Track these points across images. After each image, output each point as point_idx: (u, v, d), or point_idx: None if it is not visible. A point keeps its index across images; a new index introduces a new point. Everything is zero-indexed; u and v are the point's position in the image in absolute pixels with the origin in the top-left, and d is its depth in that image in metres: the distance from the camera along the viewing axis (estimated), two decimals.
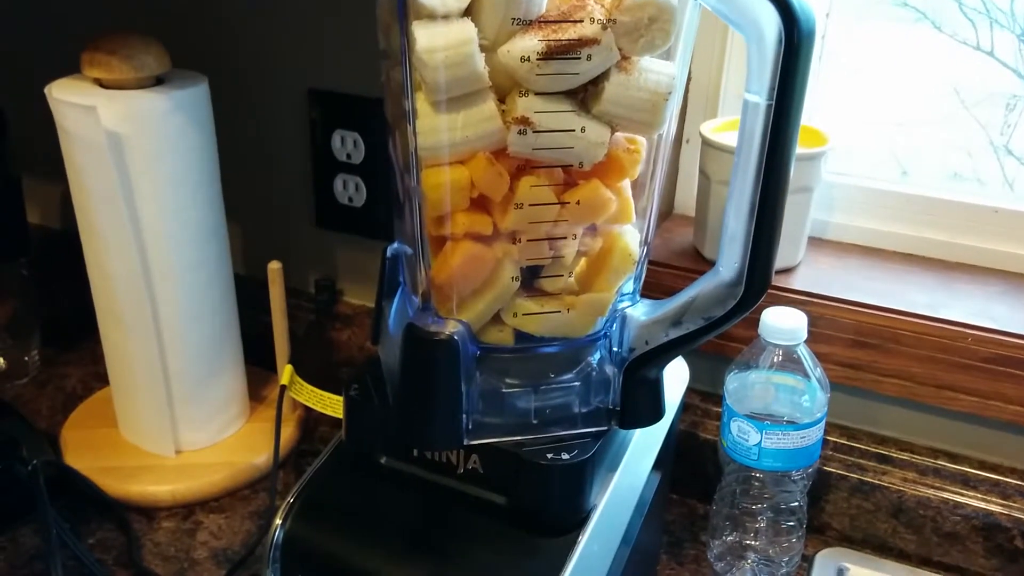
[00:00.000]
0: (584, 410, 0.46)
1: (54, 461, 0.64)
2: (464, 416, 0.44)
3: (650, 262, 0.66)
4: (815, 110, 0.69)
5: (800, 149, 0.63)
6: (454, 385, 0.43)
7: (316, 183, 0.77)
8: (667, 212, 0.74)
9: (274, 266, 0.67)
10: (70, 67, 0.61)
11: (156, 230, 0.62)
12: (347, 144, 0.74)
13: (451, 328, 0.43)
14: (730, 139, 0.62)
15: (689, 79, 0.69)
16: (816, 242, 0.70)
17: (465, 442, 0.44)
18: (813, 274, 0.66)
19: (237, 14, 0.75)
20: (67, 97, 0.58)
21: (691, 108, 0.71)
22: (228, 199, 0.67)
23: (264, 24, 0.74)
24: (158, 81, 0.61)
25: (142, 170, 0.60)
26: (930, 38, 0.65)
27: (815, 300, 0.63)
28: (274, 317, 0.69)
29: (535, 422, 0.45)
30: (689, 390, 0.59)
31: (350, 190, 0.75)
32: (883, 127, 0.69)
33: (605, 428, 0.46)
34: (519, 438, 0.45)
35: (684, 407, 0.64)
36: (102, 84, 0.60)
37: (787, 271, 0.66)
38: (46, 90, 0.59)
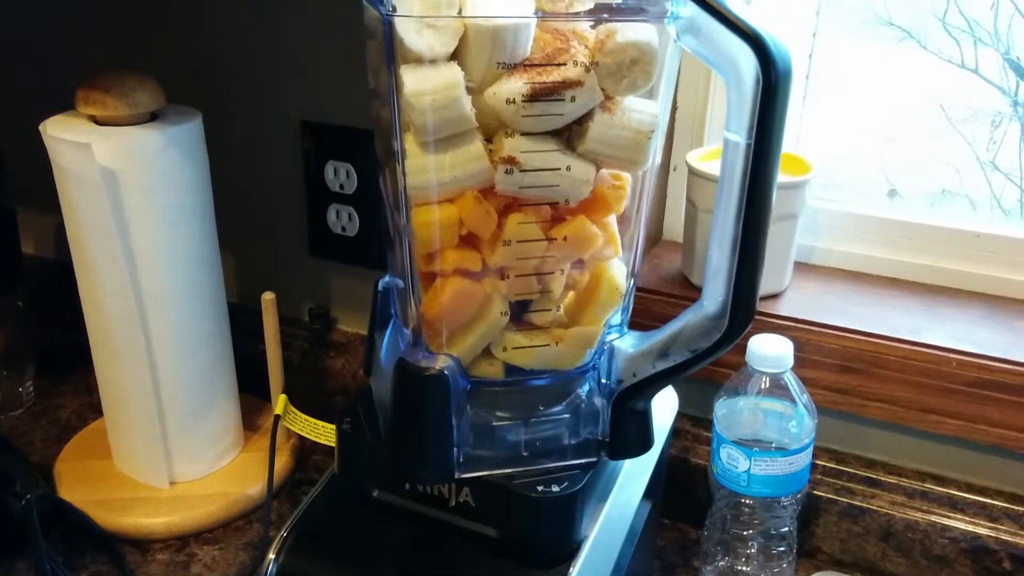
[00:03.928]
0: (574, 442, 0.47)
1: (48, 495, 0.64)
2: (455, 450, 0.45)
3: (638, 289, 0.67)
4: (804, 126, 0.70)
5: (785, 177, 0.64)
6: (445, 419, 0.44)
7: (310, 212, 0.78)
8: (656, 238, 0.75)
9: (268, 296, 0.68)
10: (64, 94, 0.62)
11: (150, 264, 0.62)
12: (340, 175, 0.75)
13: (441, 363, 0.44)
14: (715, 168, 0.63)
15: (675, 107, 0.70)
16: (802, 267, 0.71)
17: (456, 475, 0.45)
18: (799, 299, 0.67)
19: (231, 48, 0.76)
20: (62, 134, 0.59)
21: (678, 136, 0.72)
22: (222, 228, 0.68)
23: (257, 58, 0.75)
24: (153, 117, 0.62)
25: (136, 205, 0.61)
26: (916, 56, 0.66)
27: (801, 326, 0.64)
28: (268, 347, 0.69)
29: (525, 454, 0.46)
30: (679, 415, 0.60)
31: (343, 219, 0.76)
32: (871, 143, 0.70)
33: (595, 459, 0.47)
34: (510, 470, 0.46)
35: (675, 432, 0.65)
36: (97, 121, 0.61)
37: (774, 297, 0.67)
38: (41, 127, 0.60)
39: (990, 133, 0.66)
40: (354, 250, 0.77)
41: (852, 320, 0.63)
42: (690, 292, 0.67)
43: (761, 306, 0.64)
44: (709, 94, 0.70)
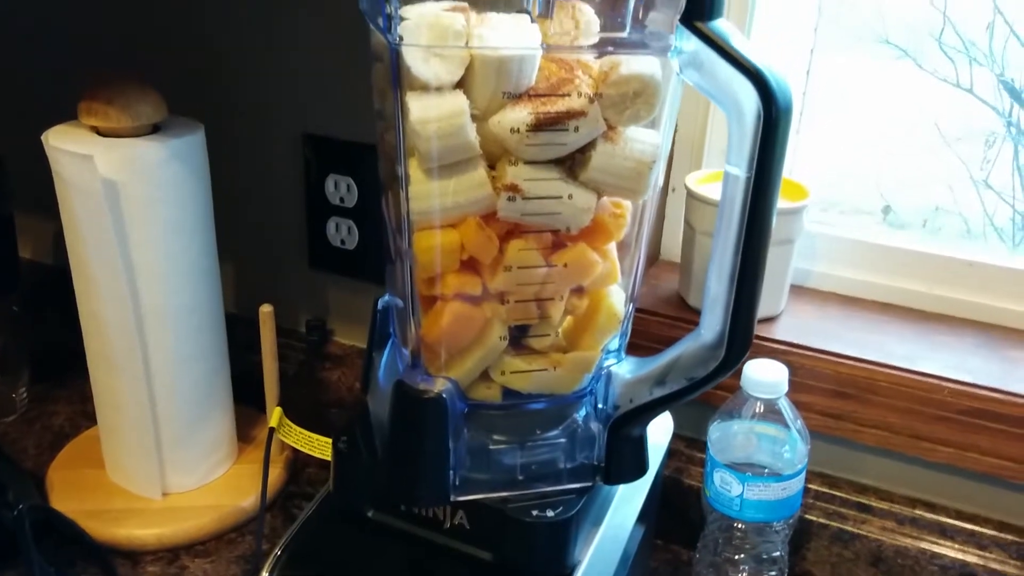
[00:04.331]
0: (569, 466, 0.47)
1: (40, 506, 0.64)
2: (451, 472, 0.45)
3: (636, 310, 0.67)
4: (800, 142, 0.71)
5: (782, 203, 0.65)
6: (442, 442, 0.44)
7: (309, 225, 0.78)
8: (653, 258, 0.76)
9: (266, 309, 0.68)
10: (64, 99, 0.62)
11: (149, 275, 0.63)
12: (340, 188, 0.75)
13: (440, 386, 0.44)
14: (714, 191, 0.63)
15: (675, 129, 0.71)
16: (798, 290, 0.71)
17: (452, 498, 0.45)
18: (795, 324, 0.67)
19: (234, 59, 0.76)
20: (64, 145, 0.59)
21: (677, 158, 0.72)
22: (222, 238, 0.68)
23: (261, 70, 0.75)
24: (155, 129, 0.62)
25: (137, 217, 0.61)
26: (912, 75, 0.67)
27: (796, 350, 0.64)
28: (264, 360, 0.69)
29: (521, 478, 0.46)
30: (674, 436, 0.60)
31: (343, 233, 0.77)
32: (866, 160, 0.70)
33: (590, 484, 0.47)
34: (505, 494, 0.46)
35: (669, 453, 0.65)
36: (99, 132, 0.61)
37: (770, 320, 0.67)
38: (43, 137, 0.60)
39: (984, 152, 0.67)
40: (353, 263, 0.77)
41: (847, 346, 0.64)
42: (687, 314, 0.68)
43: (757, 329, 0.64)
44: (709, 117, 0.71)
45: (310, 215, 0.77)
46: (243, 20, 0.75)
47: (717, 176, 0.67)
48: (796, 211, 0.64)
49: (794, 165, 0.72)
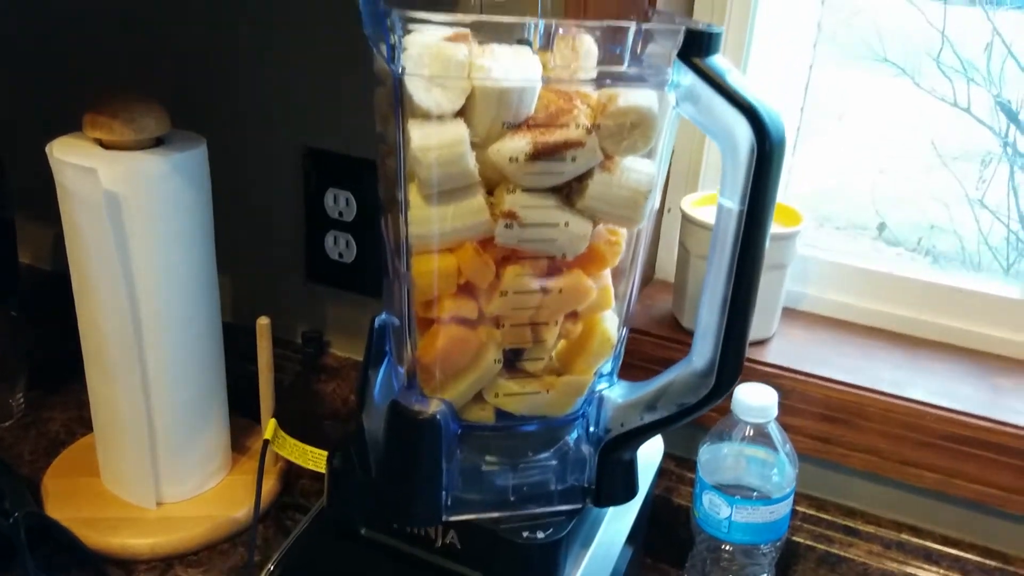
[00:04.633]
0: (560, 488, 0.48)
1: (36, 513, 0.64)
2: (444, 492, 0.46)
3: (630, 330, 0.68)
4: (796, 158, 0.71)
5: (776, 228, 0.66)
6: (435, 463, 0.45)
7: (308, 238, 0.79)
8: (648, 278, 0.77)
9: (263, 322, 0.69)
10: (66, 106, 0.62)
11: (149, 287, 0.63)
12: (339, 202, 0.76)
13: (434, 407, 0.45)
14: (709, 214, 0.64)
15: (672, 154, 0.72)
16: (790, 312, 0.72)
17: (444, 518, 0.46)
18: (786, 347, 0.68)
19: (237, 74, 0.77)
20: (68, 158, 0.60)
21: (673, 180, 0.73)
22: (221, 248, 0.68)
23: (263, 84, 0.76)
24: (158, 141, 0.63)
25: (139, 229, 0.61)
26: (910, 93, 0.67)
27: (787, 374, 0.65)
28: (261, 373, 0.70)
29: (512, 499, 0.47)
30: (665, 455, 0.61)
31: (340, 246, 0.77)
32: (863, 177, 0.71)
33: (580, 506, 0.48)
34: (497, 514, 0.47)
35: (659, 472, 0.66)
36: (103, 144, 0.61)
37: (761, 343, 0.68)
38: (47, 149, 0.61)
39: (980, 172, 0.68)
40: (350, 277, 0.78)
41: (837, 371, 0.64)
42: (680, 335, 0.68)
43: (748, 352, 0.65)
44: (705, 140, 0.72)
45: (309, 228, 0.78)
46: (246, 35, 0.76)
47: (712, 199, 0.68)
48: (789, 236, 0.65)
49: (790, 179, 0.72)
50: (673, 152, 0.72)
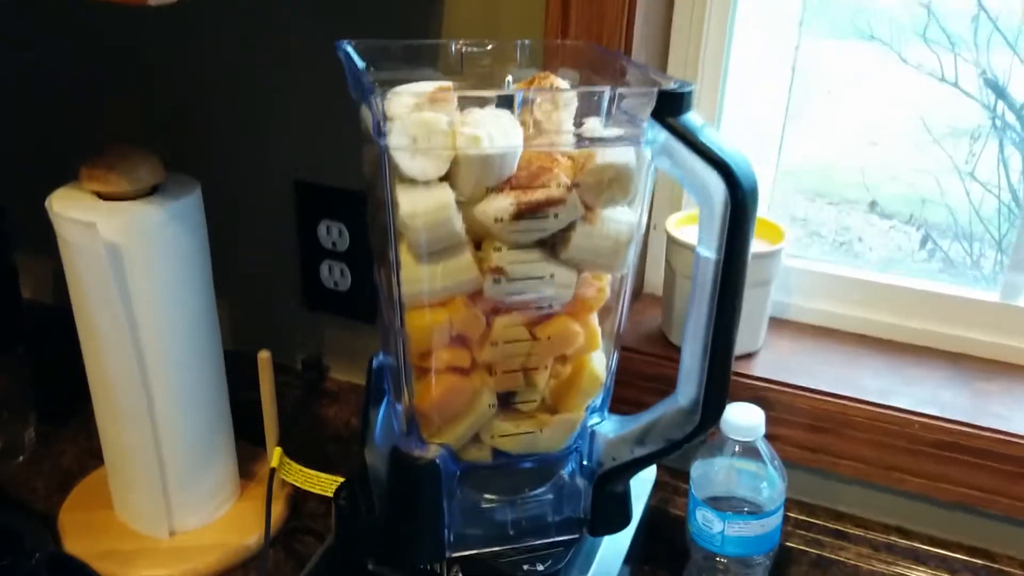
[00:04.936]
0: (557, 519, 0.50)
1: (55, 552, 0.66)
2: (446, 531, 0.48)
3: (620, 347, 0.70)
4: (785, 137, 0.71)
5: (760, 246, 0.68)
6: (437, 504, 0.47)
7: (304, 268, 0.80)
8: (637, 292, 0.78)
9: (264, 355, 0.71)
10: (62, 144, 0.63)
11: (152, 329, 0.65)
12: (332, 233, 0.77)
13: (433, 452, 0.47)
14: (691, 234, 0.66)
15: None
16: (777, 322, 0.74)
17: (447, 555, 0.48)
18: (773, 359, 0.70)
19: (228, 112, 0.78)
20: (68, 212, 0.61)
21: (657, 199, 0.75)
22: (220, 280, 0.70)
23: (253, 121, 0.78)
24: (154, 188, 0.65)
25: (138, 275, 0.63)
26: (897, 69, 0.67)
27: (774, 387, 0.67)
28: (264, 404, 0.72)
29: (512, 533, 0.49)
30: (659, 467, 0.63)
31: (335, 275, 0.79)
32: (852, 154, 0.71)
33: (577, 536, 0.50)
34: (497, 548, 0.49)
35: (655, 485, 0.68)
36: (100, 195, 0.63)
37: (748, 356, 0.70)
38: (47, 203, 0.62)
39: (969, 145, 0.68)
40: (346, 304, 0.80)
41: (822, 381, 0.66)
42: (670, 351, 0.70)
43: (735, 366, 0.67)
44: None
45: (304, 259, 0.80)
46: (236, 70, 0.77)
47: (694, 219, 0.69)
48: (773, 254, 0.67)
49: (779, 152, 0.72)
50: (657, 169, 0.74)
